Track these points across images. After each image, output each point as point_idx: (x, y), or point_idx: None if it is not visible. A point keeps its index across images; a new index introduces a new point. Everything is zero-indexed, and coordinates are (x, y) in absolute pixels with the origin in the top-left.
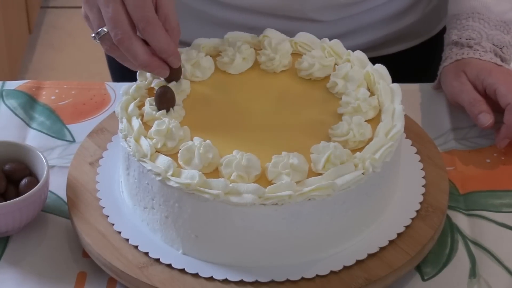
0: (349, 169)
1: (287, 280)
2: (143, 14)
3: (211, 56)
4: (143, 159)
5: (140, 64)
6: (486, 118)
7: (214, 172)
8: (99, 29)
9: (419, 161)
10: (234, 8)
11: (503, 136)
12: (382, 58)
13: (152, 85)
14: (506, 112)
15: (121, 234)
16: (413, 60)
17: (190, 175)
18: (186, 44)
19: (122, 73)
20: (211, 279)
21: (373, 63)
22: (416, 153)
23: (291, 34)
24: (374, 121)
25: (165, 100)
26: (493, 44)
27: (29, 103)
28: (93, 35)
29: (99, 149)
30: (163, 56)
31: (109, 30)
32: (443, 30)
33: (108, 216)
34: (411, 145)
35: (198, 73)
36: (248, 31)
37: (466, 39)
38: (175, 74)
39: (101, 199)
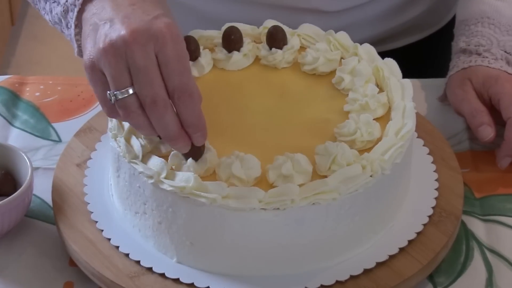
0: (356, 171)
1: None
2: (183, 80)
3: (208, 49)
4: (134, 160)
5: (167, 136)
6: (487, 132)
7: (211, 174)
8: (124, 89)
9: (432, 162)
10: (232, 1)
11: (504, 154)
12: (389, 52)
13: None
14: (507, 127)
15: (111, 241)
16: (422, 53)
17: (185, 178)
18: None
19: None
20: None
21: (381, 58)
22: (429, 154)
23: (293, 27)
24: (383, 120)
25: None
26: (505, 51)
27: (11, 100)
28: (109, 92)
29: (87, 150)
30: (190, 130)
31: (140, 90)
32: (452, 20)
33: (96, 222)
34: (423, 145)
35: (195, 69)
36: None
37: (475, 46)
38: (195, 152)
39: (89, 203)
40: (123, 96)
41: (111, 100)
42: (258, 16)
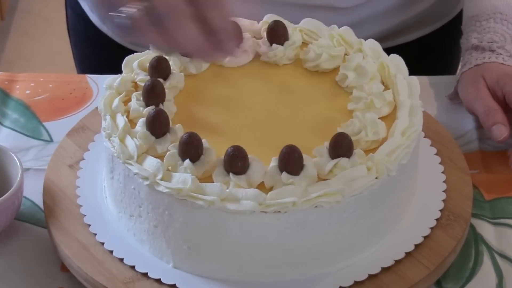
0: (360, 173)
1: None
2: None
3: None
4: (128, 161)
5: (194, 48)
6: (501, 131)
7: (209, 176)
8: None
9: (440, 163)
10: None
11: None
12: (398, 47)
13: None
14: None
15: (105, 245)
16: (429, 48)
17: (182, 179)
18: None
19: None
20: None
21: (389, 53)
22: (436, 154)
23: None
24: (389, 119)
25: (153, 95)
26: None
27: (0, 98)
28: (123, 8)
29: (80, 150)
30: (223, 36)
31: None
32: (461, 12)
33: (89, 225)
34: (431, 146)
35: (193, 66)
36: None
37: (488, 43)
38: None
39: (82, 206)
40: (133, 10)
41: (120, 16)
42: (263, 13)
